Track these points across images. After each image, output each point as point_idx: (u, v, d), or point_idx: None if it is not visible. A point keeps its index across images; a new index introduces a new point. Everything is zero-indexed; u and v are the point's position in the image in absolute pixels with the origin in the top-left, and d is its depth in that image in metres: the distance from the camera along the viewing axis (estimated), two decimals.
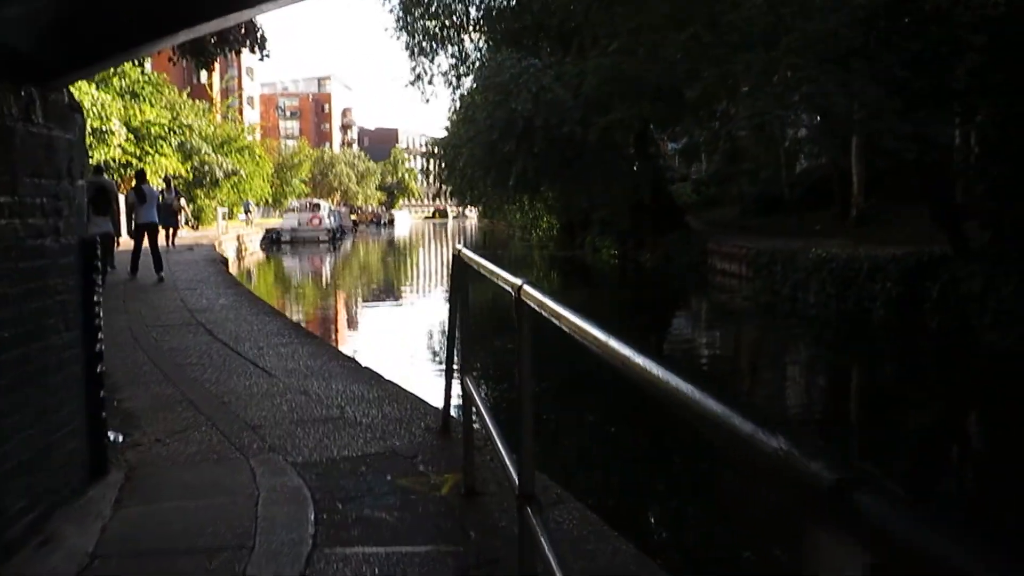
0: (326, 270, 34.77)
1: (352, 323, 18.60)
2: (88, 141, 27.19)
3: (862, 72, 13.54)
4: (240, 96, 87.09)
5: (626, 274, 30.86)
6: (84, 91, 27.03)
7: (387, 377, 7.74)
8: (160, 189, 19.54)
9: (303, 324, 13.83)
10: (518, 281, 2.66)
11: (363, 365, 8.29)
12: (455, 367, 5.02)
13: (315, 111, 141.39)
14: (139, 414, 6.26)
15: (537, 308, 2.45)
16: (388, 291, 25.60)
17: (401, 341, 14.65)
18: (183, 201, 36.91)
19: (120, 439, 5.46)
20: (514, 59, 25.90)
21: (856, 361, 14.03)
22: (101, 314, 4.69)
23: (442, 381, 5.56)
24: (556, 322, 2.18)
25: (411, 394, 6.93)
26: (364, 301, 22.44)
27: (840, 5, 14.39)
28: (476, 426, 4.46)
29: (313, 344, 9.38)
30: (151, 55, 33.12)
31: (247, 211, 51.88)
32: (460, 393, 4.69)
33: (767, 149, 40.12)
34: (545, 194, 33.07)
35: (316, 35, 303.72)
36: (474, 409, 4.23)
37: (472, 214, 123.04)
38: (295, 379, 7.41)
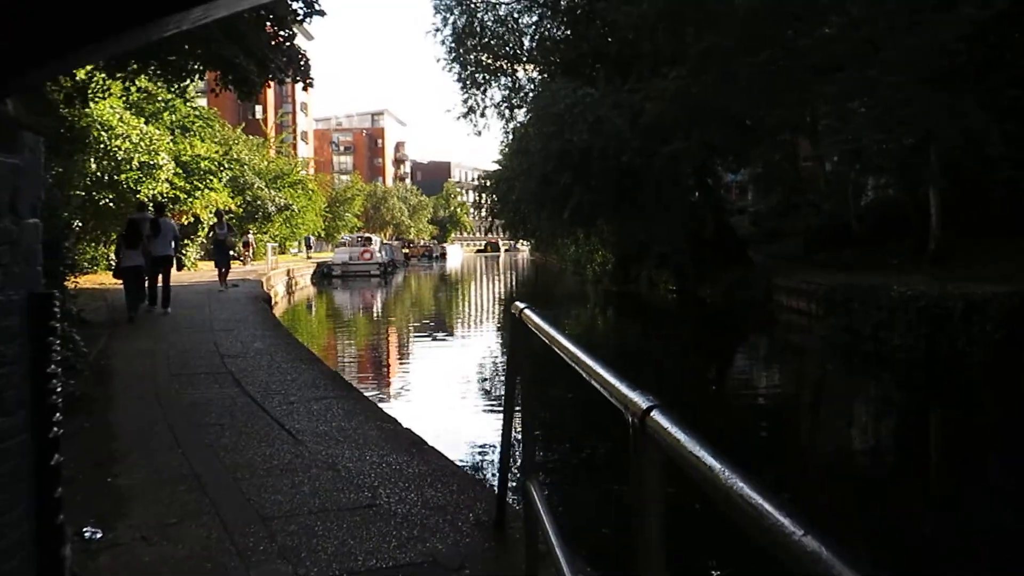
0: (375, 307, 33.89)
1: (397, 369, 16.95)
2: (135, 176, 26.84)
3: (968, 91, 12.23)
4: (294, 131, 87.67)
5: (686, 310, 29.48)
6: (132, 125, 26.63)
7: (431, 443, 6.63)
8: (211, 224, 18.78)
9: (342, 372, 12.78)
10: (641, 401, 1.54)
11: (403, 426, 7.18)
12: (513, 459, 3.88)
13: (368, 146, 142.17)
14: (133, 495, 5.22)
15: (672, 446, 1.32)
16: (438, 330, 24.58)
17: (449, 388, 13.47)
18: (235, 237, 36.59)
19: (97, 535, 4.41)
20: (569, 88, 24.89)
21: (963, 410, 12.57)
22: (58, 388, 3.64)
23: (494, 439, 4.41)
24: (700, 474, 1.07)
25: (458, 468, 5.83)
26: (412, 342, 21.28)
27: (945, 18, 13.06)
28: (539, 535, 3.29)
29: (350, 399, 8.31)
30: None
31: (308, 246, 51.72)
32: (518, 490, 3.53)
33: (838, 179, 38.76)
34: (600, 227, 31.92)
35: (369, 70, 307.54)
36: (540, 525, 3.08)
37: (524, 248, 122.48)
38: (324, 446, 6.33)
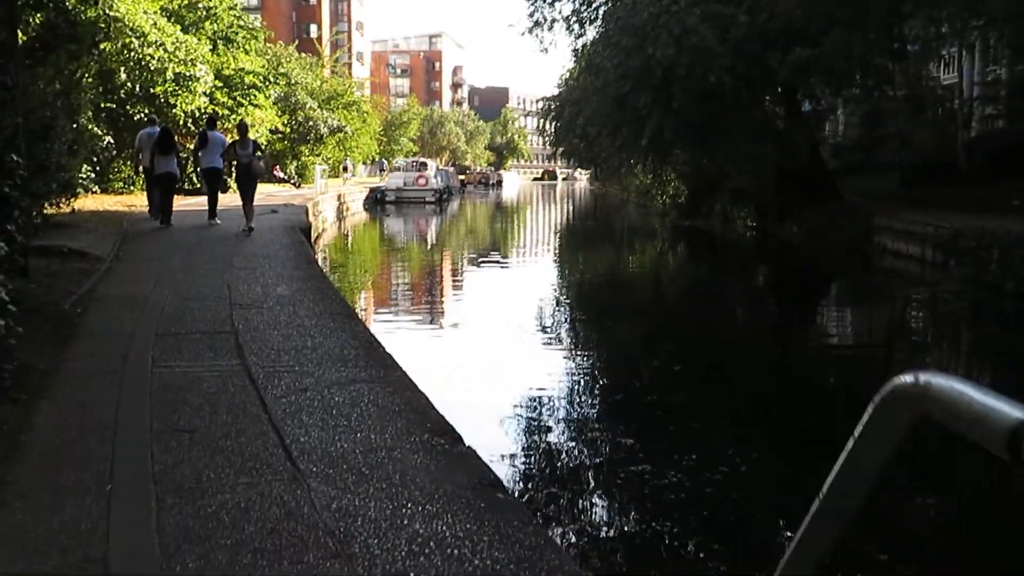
0: (428, 239, 31.51)
1: (451, 331, 12.76)
2: (171, 87, 24.53)
3: None
4: (349, 51, 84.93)
5: (767, 251, 26.60)
6: (167, 32, 24.25)
7: (506, 479, 4.21)
8: (232, 142, 16.09)
9: (382, 333, 10.22)
10: None
11: (468, 448, 4.71)
12: None
13: (426, 69, 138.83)
14: None
15: None
16: (499, 271, 22.04)
17: (527, 369, 10.06)
18: (266, 162, 34.29)
19: None
20: None
21: None
22: None
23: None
24: None
25: (552, 543, 3.40)
26: (470, 288, 18.44)
27: None
28: None
29: (387, 384, 5.88)
30: None
31: (345, 169, 49.41)
32: None
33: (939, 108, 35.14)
34: (675, 156, 28.90)
35: None
36: None
37: (582, 176, 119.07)
38: (338, 489, 3.92)
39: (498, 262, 23.68)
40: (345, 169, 51.23)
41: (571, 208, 59.75)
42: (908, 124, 33.48)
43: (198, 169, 20.74)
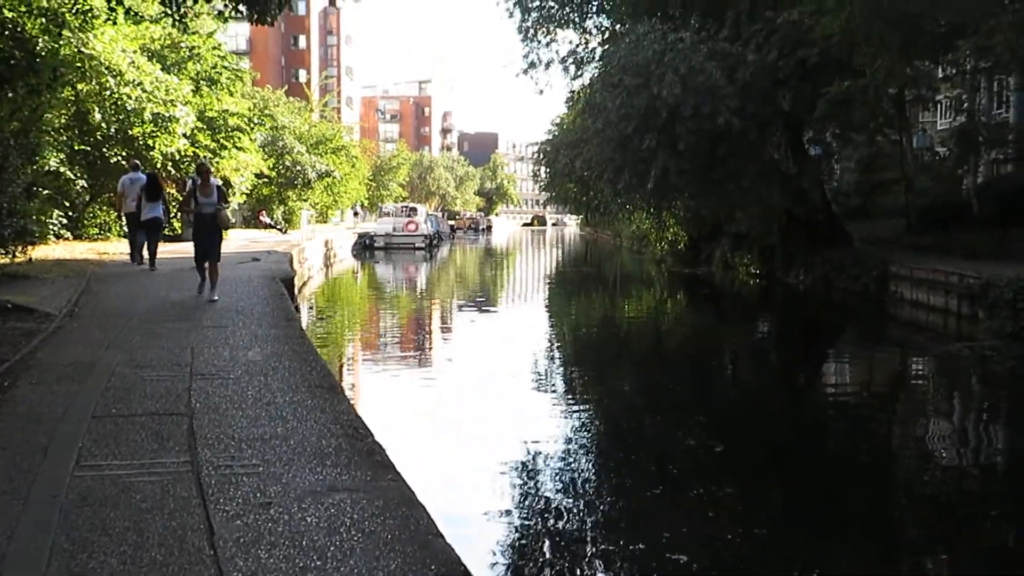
0: (419, 287, 30.12)
1: (455, 401, 10.71)
2: (148, 128, 23.28)
3: None
4: (339, 96, 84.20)
5: (775, 300, 25.36)
6: (146, 71, 23.07)
7: None
8: (190, 185, 13.16)
9: (370, 411, 8.82)
10: None
11: None
12: None
13: (415, 114, 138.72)
14: None
15: None
16: (499, 324, 20.65)
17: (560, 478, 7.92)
18: (228, 207, 33.09)
19: None
20: (658, 32, 20.74)
21: None
22: None
23: None
24: None
25: None
26: (470, 345, 16.67)
27: None
28: None
29: (377, 494, 4.52)
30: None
31: (355, 213, 48.80)
32: None
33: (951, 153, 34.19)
34: (675, 200, 27.78)
35: (417, 38, 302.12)
36: None
37: (571, 222, 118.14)
38: None
39: (494, 313, 22.33)
40: (356, 214, 50.53)
41: (564, 255, 58.56)
42: (913, 169, 32.57)
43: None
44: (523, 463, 8.02)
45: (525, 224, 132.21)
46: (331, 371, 8.19)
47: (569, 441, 9.06)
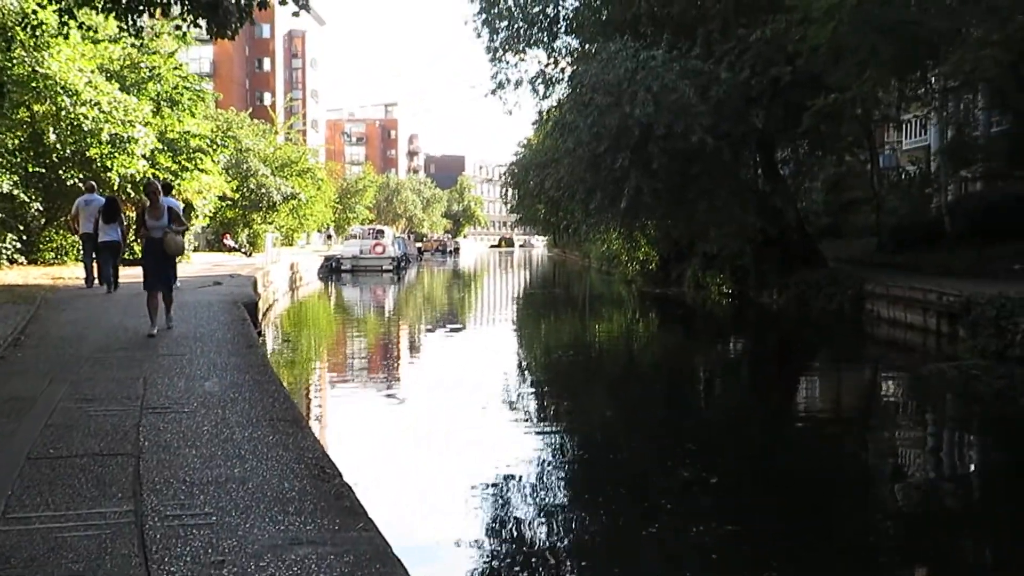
0: (387, 310, 29.50)
1: (428, 429, 9.94)
2: (106, 150, 22.55)
3: None
4: (304, 118, 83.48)
5: (749, 320, 25.08)
6: (103, 91, 22.38)
7: None
8: (140, 208, 11.54)
9: (337, 444, 8.23)
10: None
11: None
12: None
13: (381, 137, 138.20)
14: None
15: None
16: (471, 346, 20.10)
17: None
18: (195, 231, 32.62)
19: None
20: (630, 50, 20.39)
21: None
22: None
23: None
24: None
25: None
26: (442, 368, 16.22)
27: None
28: None
29: (347, 548, 3.95)
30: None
31: (328, 236, 48.67)
32: None
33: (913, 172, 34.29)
34: (645, 220, 27.44)
35: (383, 61, 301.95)
36: None
37: (539, 243, 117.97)
38: None
39: (463, 336, 21.79)
40: (329, 236, 50.35)
41: (532, 276, 58.10)
42: (883, 188, 32.55)
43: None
44: (504, 501, 7.48)
45: (492, 246, 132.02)
46: (295, 402, 7.61)
47: (549, 471, 8.58)
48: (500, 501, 7.42)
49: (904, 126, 40.87)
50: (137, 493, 4.70)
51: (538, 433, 10.29)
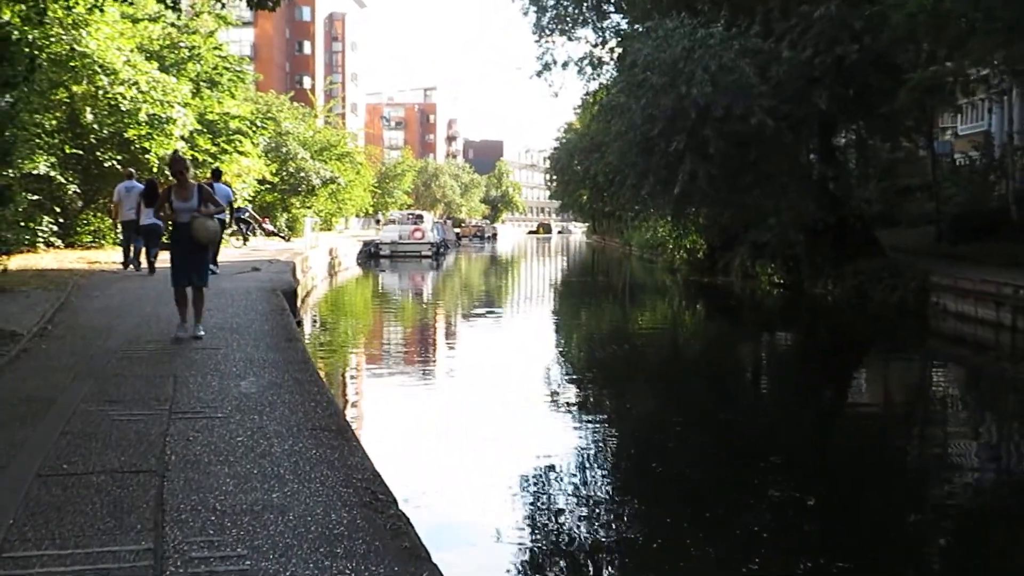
0: (428, 297, 28.80)
1: (495, 449, 8.53)
2: (144, 131, 22.04)
3: None
4: (344, 102, 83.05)
5: (804, 312, 23.96)
6: (141, 70, 21.85)
7: None
8: (166, 186, 9.94)
9: (390, 460, 7.18)
10: None
11: None
12: None
13: (420, 121, 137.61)
14: None
15: None
16: (521, 338, 19.25)
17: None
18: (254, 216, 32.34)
19: None
20: (688, 27, 19.42)
21: None
22: None
23: None
24: None
25: None
26: (495, 362, 14.98)
27: None
28: None
29: None
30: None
31: (377, 222, 48.57)
32: None
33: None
34: (701, 206, 26.38)
35: (423, 46, 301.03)
36: None
37: (576, 229, 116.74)
38: None
39: (506, 326, 21.01)
40: (377, 221, 50.32)
41: (572, 263, 57.14)
42: (941, 175, 31.21)
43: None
44: (550, 499, 6.90)
45: (530, 232, 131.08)
46: (338, 405, 6.87)
47: (593, 467, 8.18)
48: (545, 499, 6.91)
49: (962, 111, 39.30)
50: (159, 524, 3.96)
51: (581, 428, 9.71)
